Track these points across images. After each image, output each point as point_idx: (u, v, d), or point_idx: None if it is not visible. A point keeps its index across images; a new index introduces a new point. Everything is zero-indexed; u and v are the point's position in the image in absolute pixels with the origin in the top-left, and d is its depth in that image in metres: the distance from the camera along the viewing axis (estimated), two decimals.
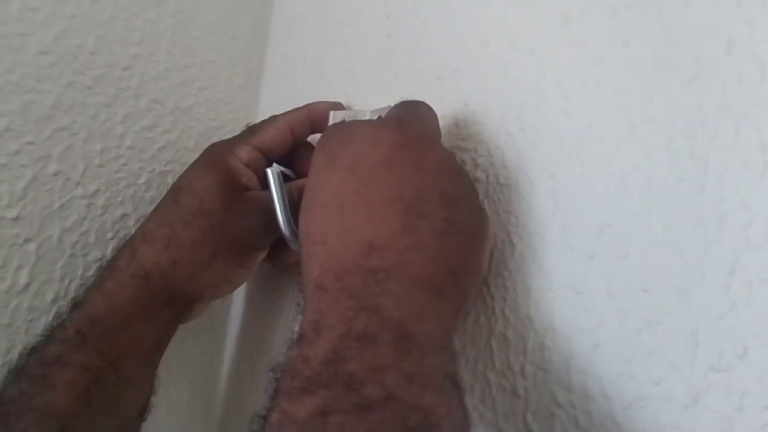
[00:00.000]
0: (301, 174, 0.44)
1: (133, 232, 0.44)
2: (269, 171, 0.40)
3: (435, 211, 0.29)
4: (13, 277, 0.41)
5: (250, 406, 0.49)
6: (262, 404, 0.48)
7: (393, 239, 0.28)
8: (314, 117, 0.45)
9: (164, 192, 0.45)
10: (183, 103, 0.51)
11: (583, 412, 0.29)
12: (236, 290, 0.53)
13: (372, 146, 0.30)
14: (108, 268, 0.40)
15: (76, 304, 0.39)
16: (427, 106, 0.36)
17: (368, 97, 0.47)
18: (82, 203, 0.44)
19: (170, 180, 0.49)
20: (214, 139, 0.49)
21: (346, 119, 0.44)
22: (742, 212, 0.26)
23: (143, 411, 0.40)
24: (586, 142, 0.33)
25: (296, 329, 0.27)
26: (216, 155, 0.43)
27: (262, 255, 0.43)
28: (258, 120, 0.46)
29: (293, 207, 0.39)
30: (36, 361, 0.36)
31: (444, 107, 0.41)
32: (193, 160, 0.45)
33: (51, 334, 0.38)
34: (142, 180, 0.48)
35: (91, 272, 0.44)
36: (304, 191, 0.32)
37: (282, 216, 0.39)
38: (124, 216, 0.46)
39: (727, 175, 0.27)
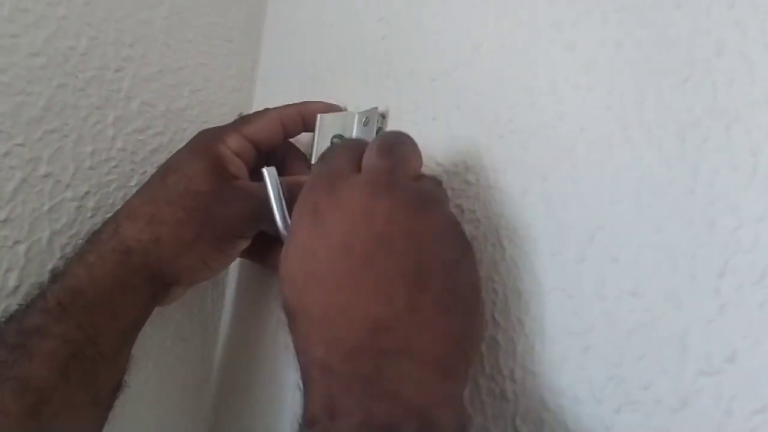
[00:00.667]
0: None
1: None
2: (265, 171, 0.40)
3: (437, 282, 0.28)
4: (2, 279, 0.41)
5: (241, 408, 0.49)
6: (252, 407, 0.47)
7: (399, 318, 0.27)
8: (307, 115, 0.46)
9: None
10: (175, 106, 0.51)
11: (573, 415, 0.29)
12: (227, 293, 0.53)
13: (366, 220, 0.28)
14: (90, 240, 0.40)
15: (56, 276, 0.39)
16: (412, 143, 0.34)
17: (361, 99, 0.47)
18: (72, 205, 0.44)
19: None
20: None
21: (335, 122, 0.44)
22: (731, 215, 0.26)
23: (117, 388, 0.40)
24: (578, 144, 0.33)
25: (301, 411, 0.26)
26: (206, 141, 0.43)
27: (244, 245, 0.43)
28: None
29: (289, 206, 0.39)
30: (15, 330, 0.36)
31: (436, 110, 0.41)
32: None
33: (30, 304, 0.37)
34: (133, 182, 0.47)
35: None
36: (287, 252, 0.30)
37: (279, 217, 0.39)
38: None
39: (717, 177, 0.27)
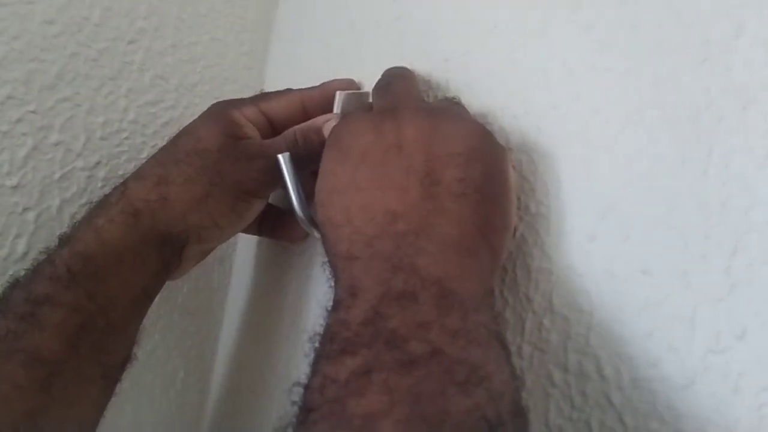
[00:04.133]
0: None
1: None
2: (281, 157, 0.39)
3: (448, 173, 0.29)
4: (11, 245, 0.41)
5: (245, 384, 0.49)
6: (255, 382, 0.48)
7: (415, 207, 0.29)
8: (329, 96, 0.45)
9: None
10: (188, 80, 0.51)
11: (578, 392, 0.29)
12: (234, 270, 0.53)
13: (376, 138, 0.32)
14: (98, 205, 0.39)
15: (64, 240, 0.38)
16: (409, 74, 0.40)
17: (374, 80, 0.47)
18: (82, 175, 0.44)
19: None
20: None
21: (353, 100, 0.44)
22: (744, 195, 0.26)
23: (125, 361, 0.39)
24: (592, 125, 0.33)
25: (330, 300, 0.27)
26: (221, 107, 0.43)
27: (258, 206, 0.42)
28: None
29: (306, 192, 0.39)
30: (22, 298, 0.35)
31: (450, 90, 0.41)
32: None
33: (38, 270, 0.36)
34: (144, 154, 0.47)
35: None
36: (317, 185, 0.33)
37: (296, 198, 0.39)
38: None
39: (731, 158, 0.27)
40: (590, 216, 0.31)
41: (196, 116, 0.50)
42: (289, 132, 0.42)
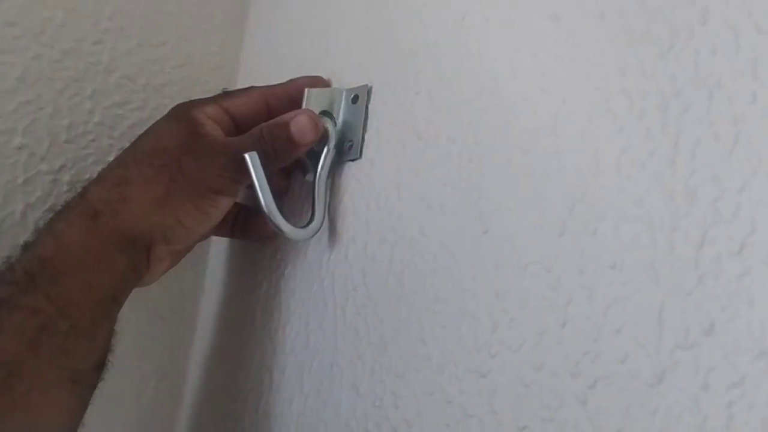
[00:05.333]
0: None
1: None
2: (247, 156, 0.38)
3: None
4: None
5: (218, 389, 0.48)
6: (229, 387, 0.47)
7: None
8: (295, 93, 0.44)
9: None
10: (156, 81, 0.50)
11: (549, 391, 0.28)
12: (207, 272, 0.53)
13: None
14: (59, 210, 0.39)
15: (26, 246, 0.37)
16: None
17: (344, 74, 0.46)
18: (47, 179, 0.43)
19: None
20: None
21: (321, 97, 0.44)
22: (712, 185, 0.25)
23: (99, 366, 0.38)
24: (560, 116, 0.32)
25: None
26: (183, 108, 0.42)
27: (225, 203, 0.41)
28: None
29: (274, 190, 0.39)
30: None
31: (419, 83, 0.40)
32: None
33: None
34: (111, 157, 0.46)
35: None
36: None
37: (263, 197, 0.38)
38: None
39: (699, 147, 0.26)
40: (559, 210, 0.30)
41: None
42: (255, 129, 0.41)
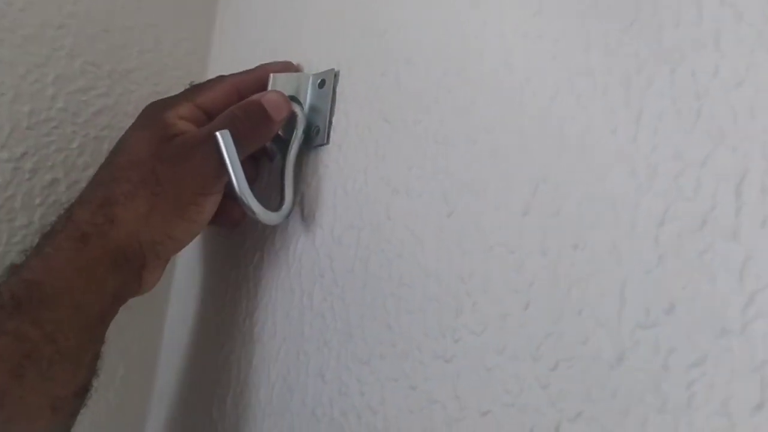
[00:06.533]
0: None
1: (63, 198, 0.42)
2: (218, 134, 0.37)
3: None
4: None
5: (189, 380, 0.47)
6: (200, 378, 0.46)
7: None
8: (265, 79, 0.43)
9: (98, 158, 0.43)
10: (122, 66, 0.49)
11: (512, 375, 0.28)
12: (178, 260, 0.52)
13: None
14: (45, 233, 0.38)
15: (13, 270, 0.36)
16: None
17: (314, 56, 0.45)
18: (7, 166, 0.42)
19: (106, 146, 0.47)
20: None
21: (288, 81, 0.43)
22: (673, 161, 0.25)
23: (81, 392, 0.37)
24: (524, 95, 0.31)
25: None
26: (152, 111, 0.41)
27: (211, 204, 0.39)
28: None
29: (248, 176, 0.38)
30: None
31: (387, 65, 0.39)
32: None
33: None
34: (74, 144, 0.45)
35: (16, 238, 0.42)
36: None
37: (235, 176, 0.37)
38: (54, 181, 0.44)
39: (660, 123, 0.26)
40: (523, 189, 0.30)
41: (131, 103, 0.48)
42: (226, 111, 0.40)
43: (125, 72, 0.49)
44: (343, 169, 0.40)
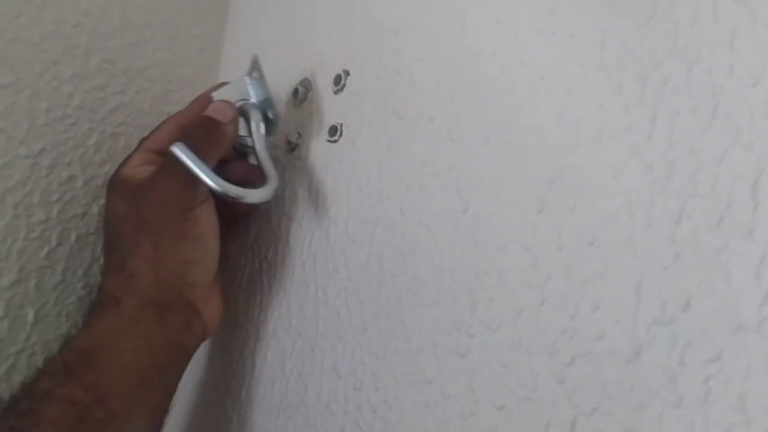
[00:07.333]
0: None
1: (80, 194, 0.43)
2: (173, 148, 0.37)
3: None
4: None
5: (203, 374, 0.48)
6: (215, 372, 0.46)
7: None
8: (203, 106, 0.43)
9: (115, 154, 0.44)
10: (137, 64, 0.49)
11: (527, 370, 0.28)
12: None
13: None
14: (90, 308, 0.40)
15: (66, 341, 0.38)
16: None
17: (327, 54, 0.45)
18: (25, 163, 0.43)
19: (122, 143, 0.47)
20: (172, 102, 0.48)
21: (226, 94, 0.43)
22: (690, 159, 0.25)
23: None
24: (539, 92, 0.31)
25: None
26: (113, 178, 0.42)
27: (204, 213, 0.40)
28: (219, 80, 0.45)
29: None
30: (26, 395, 0.35)
31: (401, 62, 0.39)
32: (147, 122, 0.45)
33: (42, 368, 0.36)
34: (91, 141, 0.46)
35: (34, 234, 0.43)
36: None
37: (210, 180, 0.37)
38: (71, 177, 0.45)
39: (677, 120, 0.26)
40: (538, 186, 0.30)
41: (147, 101, 0.49)
42: (178, 133, 0.42)
43: (140, 69, 0.49)
44: (356, 166, 0.40)
